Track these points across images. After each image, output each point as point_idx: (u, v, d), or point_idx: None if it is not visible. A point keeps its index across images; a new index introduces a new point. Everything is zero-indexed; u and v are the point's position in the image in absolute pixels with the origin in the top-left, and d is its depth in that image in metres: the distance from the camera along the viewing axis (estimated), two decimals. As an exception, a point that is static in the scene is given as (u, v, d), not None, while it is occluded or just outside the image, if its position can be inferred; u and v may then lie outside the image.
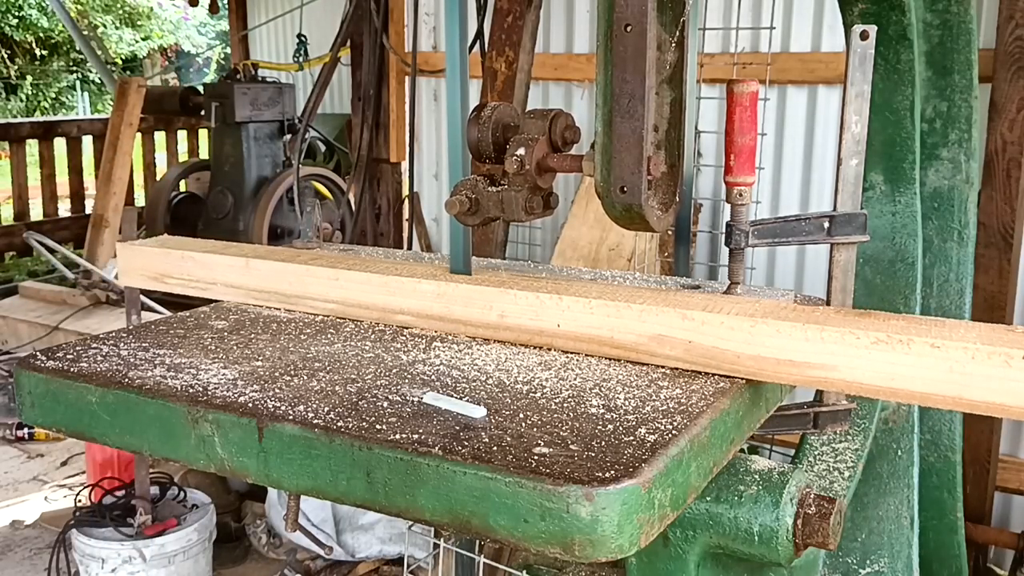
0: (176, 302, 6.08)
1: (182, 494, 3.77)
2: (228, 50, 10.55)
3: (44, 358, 1.54)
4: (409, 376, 1.44)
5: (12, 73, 17.81)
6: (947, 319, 1.41)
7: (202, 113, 7.04)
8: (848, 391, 1.36)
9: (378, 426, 1.23)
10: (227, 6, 8.69)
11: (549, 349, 1.58)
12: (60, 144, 8.89)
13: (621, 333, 1.49)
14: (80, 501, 3.85)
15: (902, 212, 2.25)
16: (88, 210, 7.69)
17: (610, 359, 1.52)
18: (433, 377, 1.44)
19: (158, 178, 8.23)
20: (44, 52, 18.13)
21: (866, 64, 1.53)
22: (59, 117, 16.43)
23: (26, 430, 5.38)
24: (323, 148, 7.52)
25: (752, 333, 1.38)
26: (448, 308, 1.65)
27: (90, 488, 3.73)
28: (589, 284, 1.66)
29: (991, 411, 1.25)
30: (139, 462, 3.56)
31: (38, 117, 16.57)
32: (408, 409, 1.30)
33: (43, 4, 16.19)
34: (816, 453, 2.08)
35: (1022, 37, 3.57)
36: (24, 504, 4.69)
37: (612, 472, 1.09)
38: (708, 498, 1.47)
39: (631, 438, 1.19)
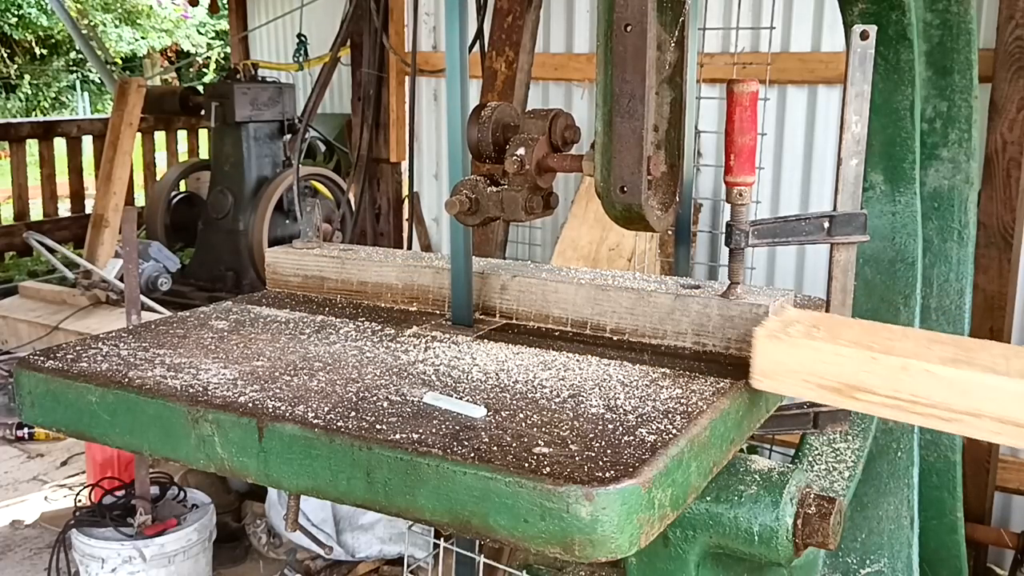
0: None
1: (182, 494, 3.76)
2: (228, 49, 10.55)
3: (44, 358, 1.54)
4: (409, 376, 1.44)
5: (11, 72, 17.77)
6: None
7: (202, 113, 7.04)
8: None
9: (378, 426, 1.23)
10: (227, 6, 8.68)
11: (549, 348, 1.55)
12: (60, 144, 8.88)
13: None
14: (80, 501, 3.84)
15: (902, 212, 2.25)
16: (88, 210, 7.69)
17: (610, 359, 1.50)
18: (433, 377, 1.44)
19: (158, 178, 8.23)
20: (44, 51, 18.09)
21: (866, 64, 1.53)
22: (59, 117, 16.42)
23: (26, 430, 5.37)
24: (323, 148, 7.52)
25: None
26: None
27: (90, 488, 3.73)
28: None
29: None
30: (139, 462, 3.56)
31: (38, 117, 16.55)
32: (408, 409, 1.30)
33: (42, 2, 16.16)
34: (816, 453, 2.08)
35: (1022, 37, 3.57)
36: (24, 504, 4.68)
37: (612, 472, 1.09)
38: (708, 498, 1.47)
39: (631, 438, 1.19)
